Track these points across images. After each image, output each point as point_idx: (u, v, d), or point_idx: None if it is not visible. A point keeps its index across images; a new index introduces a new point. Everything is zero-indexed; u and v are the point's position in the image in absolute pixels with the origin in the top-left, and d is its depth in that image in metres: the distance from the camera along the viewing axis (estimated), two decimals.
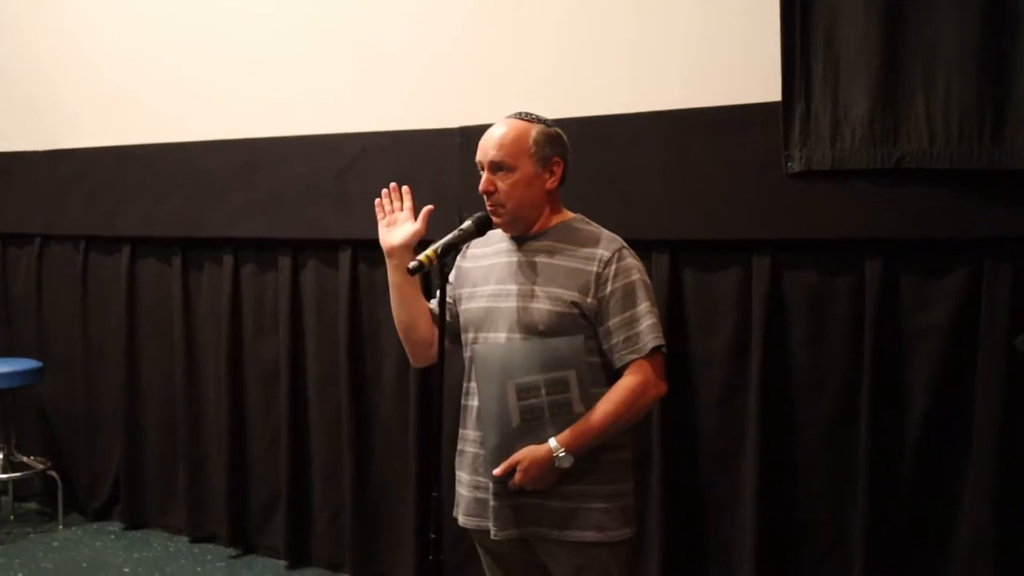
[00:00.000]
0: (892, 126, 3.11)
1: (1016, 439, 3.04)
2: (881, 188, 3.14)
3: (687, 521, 3.56)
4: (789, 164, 3.26)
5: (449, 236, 2.37)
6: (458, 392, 2.57)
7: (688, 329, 3.54)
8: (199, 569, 4.49)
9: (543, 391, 2.31)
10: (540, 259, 2.42)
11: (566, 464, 2.31)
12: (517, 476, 2.32)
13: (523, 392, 2.30)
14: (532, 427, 2.31)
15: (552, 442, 2.31)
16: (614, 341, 2.37)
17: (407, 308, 2.57)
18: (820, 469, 3.35)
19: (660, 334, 2.38)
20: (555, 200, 2.50)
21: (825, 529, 3.35)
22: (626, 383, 2.36)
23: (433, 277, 2.81)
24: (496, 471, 2.32)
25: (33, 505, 5.37)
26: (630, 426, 2.42)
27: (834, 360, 3.31)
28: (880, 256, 3.19)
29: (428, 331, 2.58)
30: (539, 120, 2.48)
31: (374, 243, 4.14)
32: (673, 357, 3.46)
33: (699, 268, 3.52)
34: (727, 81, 3.41)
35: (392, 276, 2.55)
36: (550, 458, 2.30)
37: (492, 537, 2.41)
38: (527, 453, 2.31)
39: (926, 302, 3.17)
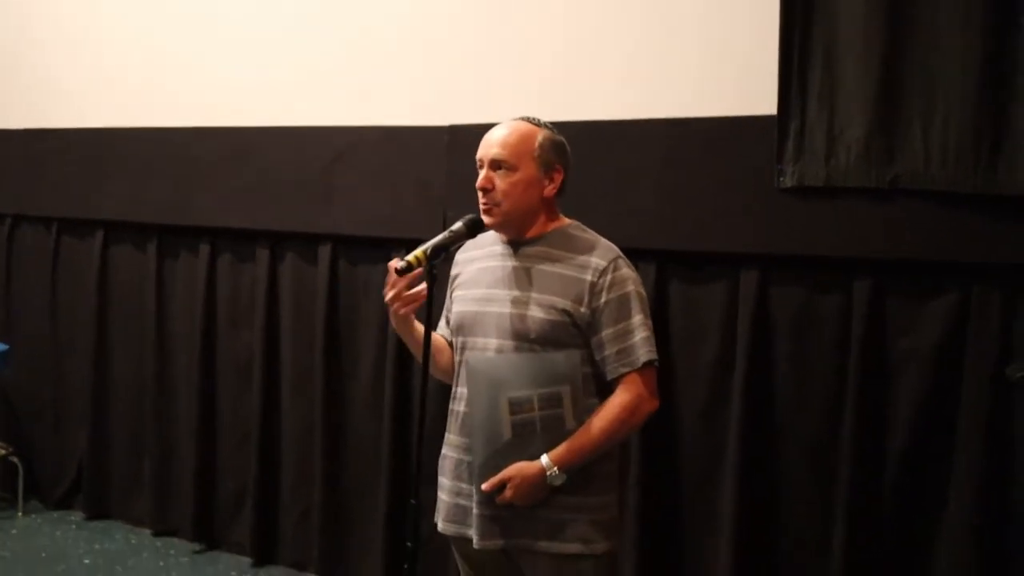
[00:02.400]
0: (888, 146, 3.08)
1: (999, 466, 3.02)
2: (873, 208, 3.11)
3: (664, 535, 3.51)
4: (781, 179, 3.23)
5: (439, 237, 2.31)
6: (439, 396, 2.51)
7: (673, 341, 3.50)
8: (161, 563, 4.41)
9: (536, 406, 2.26)
10: (534, 265, 2.37)
11: (558, 482, 2.27)
12: (507, 492, 2.27)
13: (516, 406, 2.25)
14: (523, 442, 2.26)
15: (545, 459, 2.26)
16: (607, 353, 2.32)
17: (416, 343, 2.46)
18: (801, 487, 3.32)
19: (653, 348, 2.34)
20: (552, 207, 2.45)
21: (804, 547, 3.31)
22: (619, 400, 2.32)
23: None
24: (485, 486, 2.27)
25: None
26: (622, 442, 2.37)
27: (819, 378, 3.28)
28: (869, 276, 3.17)
29: (447, 359, 2.51)
30: (547, 126, 2.44)
31: (355, 239, 4.17)
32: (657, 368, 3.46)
33: (686, 280, 3.48)
34: (724, 92, 3.37)
35: (398, 328, 2.45)
36: (541, 476, 2.26)
37: (474, 546, 2.36)
38: (518, 470, 2.26)
39: (913, 324, 3.14)
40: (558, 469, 2.26)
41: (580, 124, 3.52)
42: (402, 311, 2.34)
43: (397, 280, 2.28)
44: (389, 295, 2.32)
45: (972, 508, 3.03)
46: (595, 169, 3.51)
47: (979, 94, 2.96)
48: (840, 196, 3.16)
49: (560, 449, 2.27)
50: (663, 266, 3.50)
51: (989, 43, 2.94)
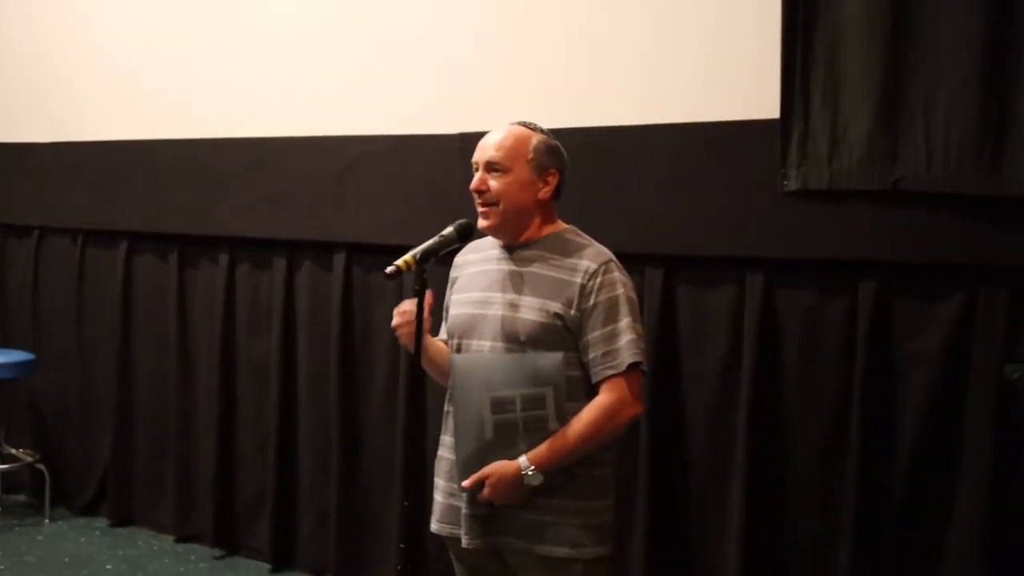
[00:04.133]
0: (890, 148, 3.07)
1: (1006, 468, 3.00)
2: (877, 210, 3.10)
3: (672, 540, 3.51)
4: (785, 182, 3.23)
5: (429, 242, 2.35)
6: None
7: (680, 345, 3.51)
8: (182, 568, 4.47)
9: (518, 406, 2.28)
10: (527, 268, 2.40)
11: (535, 482, 2.28)
12: (486, 490, 2.29)
13: (498, 406, 2.27)
14: (505, 442, 2.28)
15: (522, 459, 2.28)
16: (592, 355, 2.33)
17: (436, 367, 2.54)
18: (808, 491, 3.31)
19: (639, 351, 2.34)
20: (548, 211, 2.47)
21: (812, 552, 3.30)
22: (600, 402, 2.33)
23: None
24: (465, 483, 2.30)
25: (21, 497, 5.35)
26: (603, 445, 2.38)
27: (825, 381, 3.27)
28: (874, 278, 3.16)
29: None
30: (542, 131, 2.47)
31: (369, 246, 4.21)
32: (664, 373, 3.48)
33: (692, 284, 3.49)
34: (728, 96, 3.38)
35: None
36: (519, 475, 2.27)
37: (463, 546, 2.38)
38: (496, 468, 2.28)
39: (919, 326, 3.13)
40: (535, 469, 2.27)
41: (588, 130, 3.57)
42: (405, 340, 2.36)
43: (406, 311, 2.34)
44: (396, 321, 2.37)
45: (980, 509, 3.00)
46: (602, 174, 3.54)
47: (981, 95, 2.94)
48: (844, 199, 3.15)
49: (540, 449, 2.28)
50: (670, 270, 3.51)
51: (991, 43, 2.93)
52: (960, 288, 3.06)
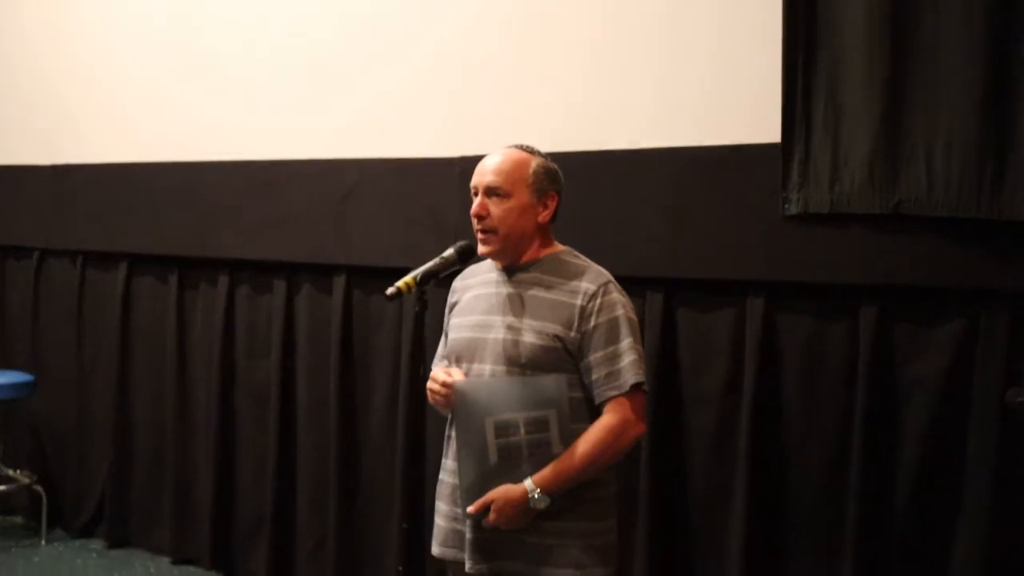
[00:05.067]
0: (892, 172, 3.08)
1: (1008, 493, 2.99)
2: (878, 234, 3.10)
3: (673, 561, 3.49)
4: (786, 206, 3.23)
5: (430, 264, 2.36)
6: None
7: (680, 368, 3.50)
8: None
9: (522, 430, 2.27)
10: (526, 291, 2.40)
11: (541, 505, 2.27)
12: (492, 515, 2.28)
13: (501, 430, 2.27)
14: (509, 465, 2.28)
15: (528, 483, 2.28)
16: (595, 376, 2.33)
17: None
18: (809, 514, 3.29)
19: (641, 371, 2.34)
20: (546, 234, 2.48)
21: (814, 573, 3.28)
22: (605, 423, 2.32)
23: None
24: (470, 509, 2.29)
25: (18, 519, 5.33)
26: (608, 466, 2.38)
27: (826, 405, 3.26)
28: (875, 302, 3.15)
29: None
30: (540, 154, 2.48)
31: (369, 270, 4.21)
32: (664, 396, 3.47)
33: (693, 307, 3.48)
34: (729, 120, 3.39)
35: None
36: (525, 499, 2.27)
37: (467, 570, 2.37)
38: (502, 493, 2.28)
39: (921, 351, 3.12)
40: (542, 492, 2.26)
41: (588, 154, 3.58)
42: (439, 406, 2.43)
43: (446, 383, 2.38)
44: (433, 398, 2.42)
45: (982, 534, 2.99)
46: (602, 198, 3.55)
47: (982, 121, 2.94)
48: (845, 223, 3.15)
49: (545, 472, 2.28)
50: (671, 293, 3.50)
51: (991, 68, 2.94)
52: (961, 312, 3.06)
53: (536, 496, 2.26)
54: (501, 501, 2.27)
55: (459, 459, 2.34)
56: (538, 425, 2.26)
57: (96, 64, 5.08)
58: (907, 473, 3.12)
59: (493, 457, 2.27)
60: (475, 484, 2.29)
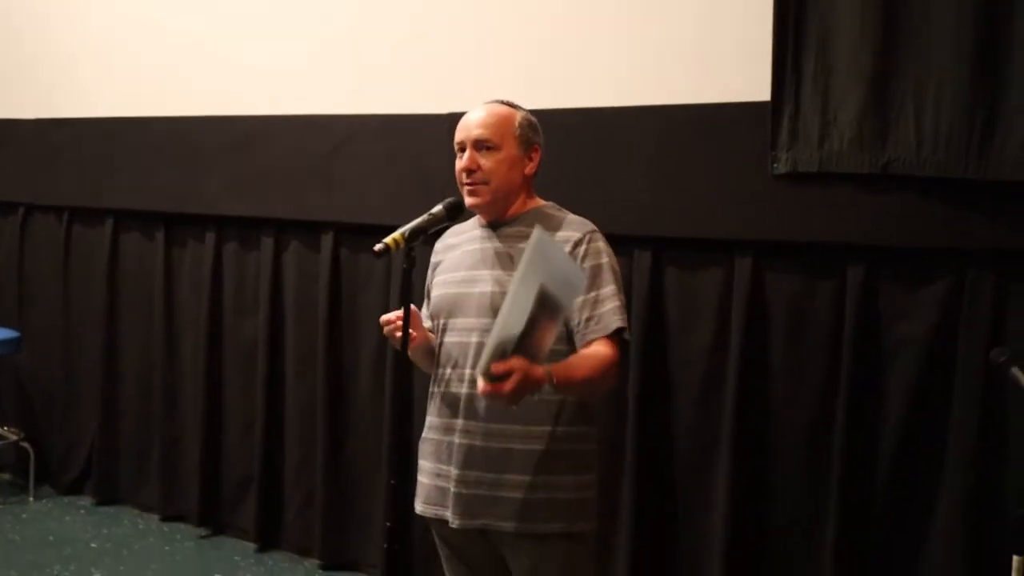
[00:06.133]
0: (881, 131, 3.07)
1: (991, 451, 3.01)
2: (867, 193, 3.10)
3: (658, 519, 3.52)
4: (775, 165, 3.22)
5: (417, 220, 2.34)
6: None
7: (668, 327, 3.51)
8: (167, 548, 4.46)
9: (548, 317, 2.07)
10: (513, 245, 2.38)
11: (547, 393, 2.19)
12: (508, 384, 2.02)
13: (541, 304, 2.00)
14: (526, 343, 2.04)
15: (547, 370, 2.11)
16: (577, 320, 2.32)
17: (422, 356, 2.53)
18: (794, 472, 3.32)
19: (624, 318, 2.33)
20: (530, 187, 2.48)
21: (798, 530, 3.31)
22: (600, 349, 2.28)
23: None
24: (495, 367, 2.02)
25: (5, 476, 5.35)
26: (590, 394, 2.35)
27: (812, 364, 3.27)
28: (862, 262, 3.16)
29: None
30: (520, 108, 2.48)
31: (357, 227, 4.19)
32: (652, 354, 3.48)
33: (680, 266, 3.49)
34: (718, 78, 3.37)
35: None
36: (542, 384, 2.10)
37: (451, 526, 2.37)
38: (524, 364, 2.04)
39: (907, 310, 3.13)
40: (555, 382, 2.14)
41: (575, 111, 3.56)
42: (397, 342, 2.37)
43: (390, 320, 2.35)
44: (387, 329, 2.37)
45: (965, 491, 3.01)
46: (590, 156, 3.54)
47: (971, 79, 2.93)
48: (833, 182, 3.15)
49: (558, 366, 2.18)
50: (658, 253, 3.50)
51: (982, 28, 2.92)
52: (948, 272, 3.06)
53: (553, 384, 2.14)
54: (521, 373, 2.03)
55: (503, 309, 2.04)
56: (554, 313, 2.06)
57: (86, 18, 5.02)
58: (892, 431, 3.14)
59: (521, 326, 2.01)
60: (507, 342, 2.02)
